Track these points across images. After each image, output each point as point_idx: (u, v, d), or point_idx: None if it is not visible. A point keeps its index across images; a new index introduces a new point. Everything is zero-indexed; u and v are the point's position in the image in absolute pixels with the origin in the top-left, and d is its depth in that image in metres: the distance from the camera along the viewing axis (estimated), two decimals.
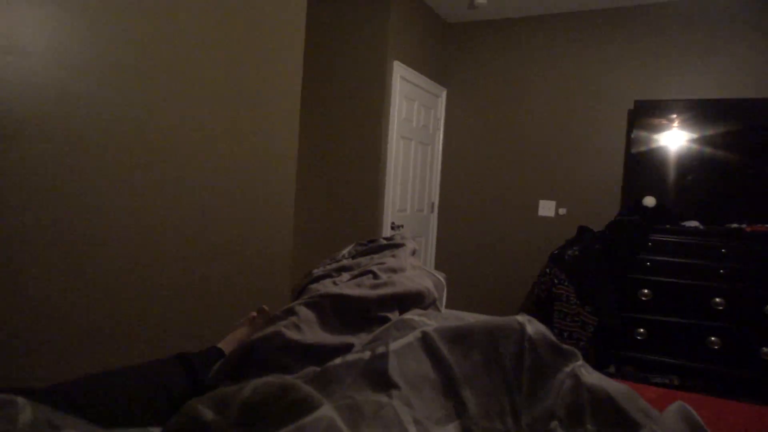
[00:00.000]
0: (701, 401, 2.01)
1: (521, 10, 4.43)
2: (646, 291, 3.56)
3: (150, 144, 1.94)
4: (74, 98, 1.68)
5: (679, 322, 3.49)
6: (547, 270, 3.86)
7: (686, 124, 3.87)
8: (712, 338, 3.39)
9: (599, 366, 3.60)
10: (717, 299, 3.39)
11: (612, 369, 3.63)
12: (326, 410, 0.60)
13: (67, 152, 1.67)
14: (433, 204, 4.81)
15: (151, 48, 1.93)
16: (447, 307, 4.50)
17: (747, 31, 3.84)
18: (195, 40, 2.11)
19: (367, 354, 0.84)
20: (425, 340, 0.86)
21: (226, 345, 1.32)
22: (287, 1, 2.60)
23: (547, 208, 4.45)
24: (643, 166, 3.99)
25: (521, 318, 0.89)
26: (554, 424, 0.78)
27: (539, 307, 3.91)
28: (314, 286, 1.29)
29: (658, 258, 3.57)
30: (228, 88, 2.28)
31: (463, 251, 4.80)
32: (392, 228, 4.04)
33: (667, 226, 3.61)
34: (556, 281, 3.74)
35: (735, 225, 3.58)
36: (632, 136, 4.01)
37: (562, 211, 4.40)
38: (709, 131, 3.81)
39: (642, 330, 3.56)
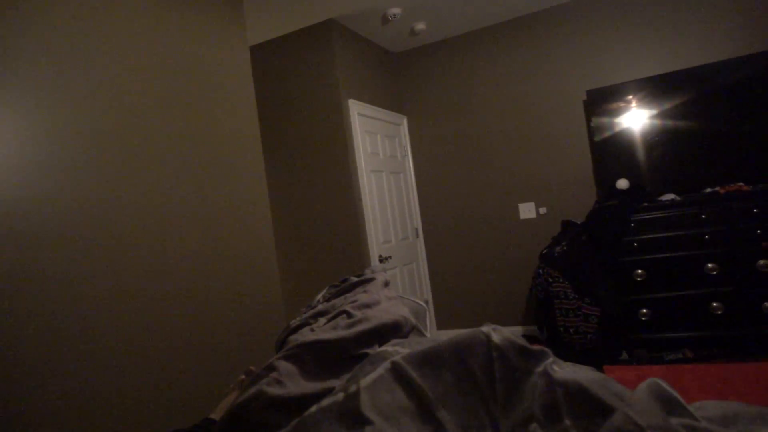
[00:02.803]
0: (708, 370, 2.02)
1: (459, 28, 4.56)
2: (639, 271, 3.58)
3: (130, 223, 1.95)
4: (41, 197, 1.70)
5: (679, 295, 3.50)
6: (540, 270, 3.87)
7: (643, 102, 3.96)
8: (714, 304, 3.40)
9: (611, 354, 3.58)
10: (709, 265, 3.41)
11: (624, 355, 3.61)
12: None
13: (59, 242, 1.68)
14: (416, 230, 4.84)
15: (115, 135, 1.96)
16: (451, 326, 4.45)
17: (681, 3, 3.98)
18: (154, 123, 2.15)
19: (340, 396, 0.85)
20: (395, 370, 0.87)
21: (218, 414, 1.31)
22: (235, 67, 2.66)
23: (527, 210, 4.49)
24: (610, 152, 4.05)
25: (486, 328, 0.90)
26: (533, 426, 0.79)
27: (541, 309, 3.91)
28: (293, 337, 1.29)
29: (644, 237, 3.60)
30: (193, 162, 2.31)
31: (455, 269, 4.80)
32: (380, 260, 4.05)
33: (645, 204, 3.65)
34: (550, 280, 3.74)
35: (709, 190, 3.64)
36: (592, 125, 4.09)
37: (542, 210, 4.44)
38: (667, 105, 3.90)
39: (645, 310, 3.56)
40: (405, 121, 4.89)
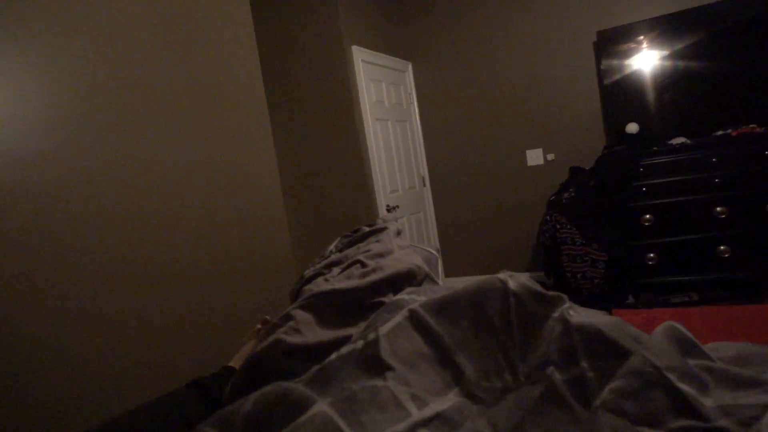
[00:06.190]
0: (716, 312, 2.04)
1: None
2: (647, 216, 3.57)
3: (134, 180, 1.95)
4: (46, 154, 1.69)
5: (686, 239, 3.50)
6: (548, 217, 3.87)
7: (654, 43, 3.84)
8: (721, 247, 3.40)
9: (618, 299, 3.62)
10: (718, 209, 3.39)
11: (631, 299, 3.65)
12: (319, 407, 0.62)
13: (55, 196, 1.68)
14: (423, 178, 4.82)
15: (115, 85, 1.93)
16: (459, 274, 4.49)
17: None
18: (151, 74, 2.10)
19: (360, 343, 0.86)
20: (413, 317, 0.88)
21: (237, 362, 1.34)
22: (235, 15, 2.59)
23: (535, 157, 4.45)
24: (619, 95, 3.97)
25: (503, 275, 0.91)
26: (550, 369, 0.80)
27: (548, 255, 3.93)
28: (308, 287, 1.31)
29: (653, 181, 3.57)
30: (196, 116, 2.28)
31: (463, 217, 4.81)
32: (387, 210, 4.05)
33: (654, 148, 3.60)
34: (558, 226, 3.75)
35: (721, 132, 3.57)
36: (602, 67, 3.98)
37: (550, 156, 4.40)
38: (678, 45, 3.79)
39: (652, 255, 3.58)
40: (410, 67, 4.78)
